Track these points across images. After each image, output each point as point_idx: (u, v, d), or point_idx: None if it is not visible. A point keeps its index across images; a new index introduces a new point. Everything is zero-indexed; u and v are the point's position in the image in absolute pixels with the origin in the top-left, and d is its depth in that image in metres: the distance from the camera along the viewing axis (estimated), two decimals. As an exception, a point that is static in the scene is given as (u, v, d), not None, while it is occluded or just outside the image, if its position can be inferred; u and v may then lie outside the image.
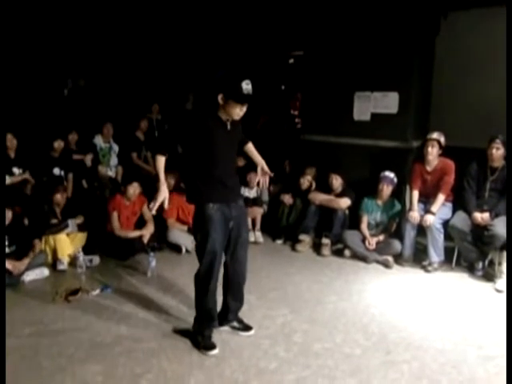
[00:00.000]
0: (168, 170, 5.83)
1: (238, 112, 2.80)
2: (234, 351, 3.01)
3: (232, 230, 2.97)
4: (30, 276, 4.04)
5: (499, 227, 4.07)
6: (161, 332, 3.23)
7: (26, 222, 4.40)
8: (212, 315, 3.07)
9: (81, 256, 4.33)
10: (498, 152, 4.21)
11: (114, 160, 6.10)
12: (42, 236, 4.32)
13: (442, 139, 4.47)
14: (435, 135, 4.48)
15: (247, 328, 3.24)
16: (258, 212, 5.39)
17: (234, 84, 2.72)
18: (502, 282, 3.99)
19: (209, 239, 2.86)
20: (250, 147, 3.22)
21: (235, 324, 3.24)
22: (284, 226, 5.34)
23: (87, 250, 4.56)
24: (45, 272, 4.17)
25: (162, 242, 4.91)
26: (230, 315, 3.20)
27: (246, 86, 2.71)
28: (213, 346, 3.00)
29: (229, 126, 2.89)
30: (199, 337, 3.04)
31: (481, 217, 4.20)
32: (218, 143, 2.84)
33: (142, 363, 2.86)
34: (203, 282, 2.96)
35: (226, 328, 3.23)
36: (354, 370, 2.82)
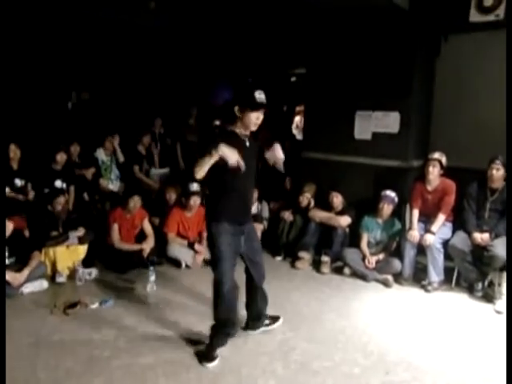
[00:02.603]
0: (169, 184, 5.91)
1: (255, 121, 2.92)
2: (232, 368, 2.99)
3: (245, 242, 3.12)
4: (28, 288, 4.03)
5: (499, 248, 4.08)
6: (159, 347, 3.22)
7: (27, 233, 4.40)
8: (229, 324, 3.15)
9: (80, 269, 4.33)
10: (498, 173, 4.23)
11: (115, 173, 6.14)
12: (42, 248, 4.32)
13: (444, 159, 4.51)
14: (437, 155, 4.52)
15: (275, 318, 3.50)
16: (257, 228, 5.33)
17: (248, 94, 2.90)
18: (501, 303, 3.98)
19: (221, 250, 2.99)
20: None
21: (266, 321, 3.46)
22: (284, 243, 5.34)
23: (86, 262, 4.57)
24: (44, 284, 4.16)
25: (161, 256, 4.91)
26: (263, 316, 3.41)
27: (259, 95, 2.89)
28: (214, 358, 3.06)
29: (247, 143, 3.00)
30: (210, 345, 3.09)
31: (480, 237, 4.20)
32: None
33: (139, 378, 2.84)
34: (220, 291, 3.06)
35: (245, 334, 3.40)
36: (352, 390, 2.81)
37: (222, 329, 3.12)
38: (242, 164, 2.77)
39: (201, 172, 2.77)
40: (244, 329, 3.43)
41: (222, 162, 2.76)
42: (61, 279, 4.30)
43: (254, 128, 2.96)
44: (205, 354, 3.07)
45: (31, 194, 5.03)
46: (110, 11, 6.47)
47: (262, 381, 2.86)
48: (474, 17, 4.99)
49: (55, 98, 6.82)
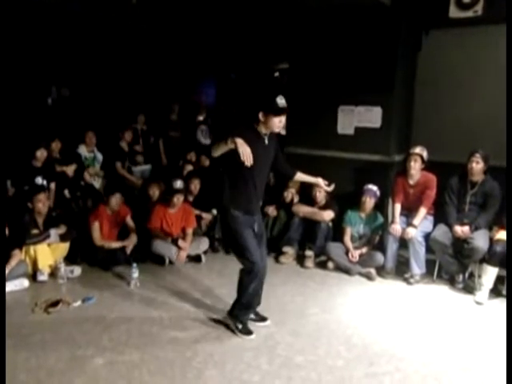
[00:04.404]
0: (152, 180, 5.86)
1: (278, 124, 3.15)
2: (216, 363, 2.99)
3: (256, 233, 3.30)
4: (9, 287, 3.95)
5: (479, 240, 4.15)
6: (143, 344, 3.20)
7: (7, 231, 4.32)
8: (253, 302, 3.41)
9: (62, 267, 4.26)
10: (477, 166, 4.29)
11: (96, 169, 6.06)
12: (23, 246, 4.25)
13: (425, 154, 4.55)
14: (418, 150, 4.56)
15: (263, 319, 3.54)
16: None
17: (270, 100, 3.11)
18: (481, 295, 4.05)
19: (244, 236, 3.18)
20: (300, 175, 3.57)
21: (252, 316, 3.50)
22: (268, 238, 5.32)
23: (69, 260, 4.51)
24: (25, 283, 4.10)
25: (145, 253, 4.87)
26: (253, 307, 3.47)
27: (280, 100, 3.10)
28: (251, 332, 3.33)
29: (266, 141, 3.21)
30: (240, 324, 3.34)
31: (461, 230, 4.26)
32: (256, 156, 3.00)
33: (123, 376, 2.82)
34: (250, 272, 3.22)
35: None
36: (337, 382, 2.83)
37: (245, 311, 3.38)
38: (250, 161, 2.90)
39: (216, 153, 3.05)
40: (229, 313, 3.47)
41: (238, 156, 2.91)
42: (42, 278, 4.23)
43: (277, 130, 3.20)
44: (241, 331, 3.33)
45: (11, 191, 4.94)
46: (91, 7, 6.37)
47: (246, 375, 2.86)
48: (454, 13, 5.05)
49: (34, 94, 6.70)
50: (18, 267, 4.07)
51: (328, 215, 5.02)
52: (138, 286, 4.19)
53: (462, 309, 3.96)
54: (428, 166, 4.61)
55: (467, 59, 5.10)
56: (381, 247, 4.71)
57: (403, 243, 4.62)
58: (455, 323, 3.68)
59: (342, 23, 5.34)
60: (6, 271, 3.94)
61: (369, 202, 4.78)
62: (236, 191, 3.18)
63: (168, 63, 7.88)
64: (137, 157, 6.51)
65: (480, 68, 5.02)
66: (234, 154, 2.93)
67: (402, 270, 4.68)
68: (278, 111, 3.10)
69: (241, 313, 3.38)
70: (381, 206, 4.99)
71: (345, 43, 5.35)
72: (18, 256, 4.10)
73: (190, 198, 5.35)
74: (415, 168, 4.54)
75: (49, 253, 4.37)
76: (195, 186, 5.38)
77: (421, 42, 5.36)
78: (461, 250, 4.32)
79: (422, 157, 4.53)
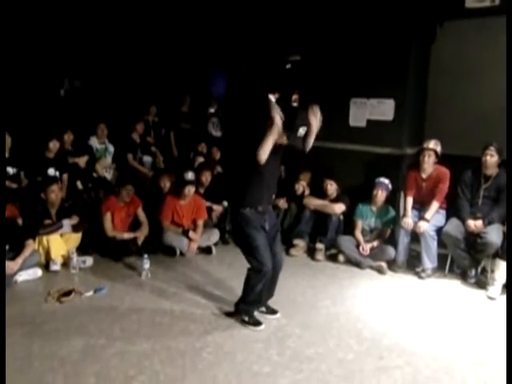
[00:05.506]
0: (164, 172, 5.88)
1: (279, 138, 3.06)
2: (227, 354, 3.00)
3: (268, 232, 3.27)
4: (22, 276, 4.02)
5: (492, 235, 4.11)
6: (154, 334, 3.22)
7: (20, 221, 4.37)
8: (260, 299, 3.41)
9: (74, 257, 4.31)
10: (491, 159, 4.23)
11: (108, 161, 6.09)
12: (36, 236, 4.30)
13: (439, 148, 4.49)
14: (432, 144, 4.49)
15: (273, 312, 3.53)
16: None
17: (295, 125, 3.09)
18: (493, 290, 4.01)
19: (252, 237, 3.16)
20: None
21: (263, 309, 3.52)
22: (279, 231, 5.33)
23: (81, 250, 4.56)
24: (38, 272, 4.15)
25: (156, 244, 4.90)
26: (263, 301, 3.50)
27: (302, 131, 3.11)
28: (259, 322, 3.36)
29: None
30: (246, 317, 3.37)
31: (474, 224, 4.22)
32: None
33: (134, 365, 2.85)
34: (259, 272, 3.20)
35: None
36: (346, 375, 2.83)
37: (251, 307, 3.39)
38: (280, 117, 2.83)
39: (264, 155, 2.94)
40: (235, 309, 3.48)
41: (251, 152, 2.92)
42: (55, 267, 4.28)
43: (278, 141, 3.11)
44: (248, 322, 3.35)
45: (24, 182, 4.99)
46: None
47: (257, 367, 2.88)
48: (470, 3, 4.96)
49: (47, 85, 6.74)
50: (32, 257, 4.12)
51: (339, 208, 5.00)
52: (149, 277, 4.23)
53: (474, 304, 3.93)
54: (441, 159, 4.56)
55: (482, 51, 5.02)
56: (392, 241, 4.69)
57: (415, 237, 4.59)
58: (467, 318, 3.66)
59: (355, 14, 5.28)
60: (20, 261, 3.99)
61: (380, 196, 4.75)
62: (249, 185, 3.16)
63: (179, 55, 7.85)
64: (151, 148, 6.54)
65: (495, 60, 4.92)
66: (250, 147, 2.96)
67: (413, 263, 4.66)
68: (291, 138, 3.09)
69: (246, 308, 3.40)
70: (392, 200, 4.95)
71: (357, 34, 5.29)
72: (31, 246, 4.14)
73: (201, 190, 5.36)
74: (429, 163, 4.49)
75: (61, 243, 4.42)
76: (206, 177, 5.39)
77: (435, 33, 5.28)
78: (473, 245, 4.27)
79: (435, 152, 4.48)
